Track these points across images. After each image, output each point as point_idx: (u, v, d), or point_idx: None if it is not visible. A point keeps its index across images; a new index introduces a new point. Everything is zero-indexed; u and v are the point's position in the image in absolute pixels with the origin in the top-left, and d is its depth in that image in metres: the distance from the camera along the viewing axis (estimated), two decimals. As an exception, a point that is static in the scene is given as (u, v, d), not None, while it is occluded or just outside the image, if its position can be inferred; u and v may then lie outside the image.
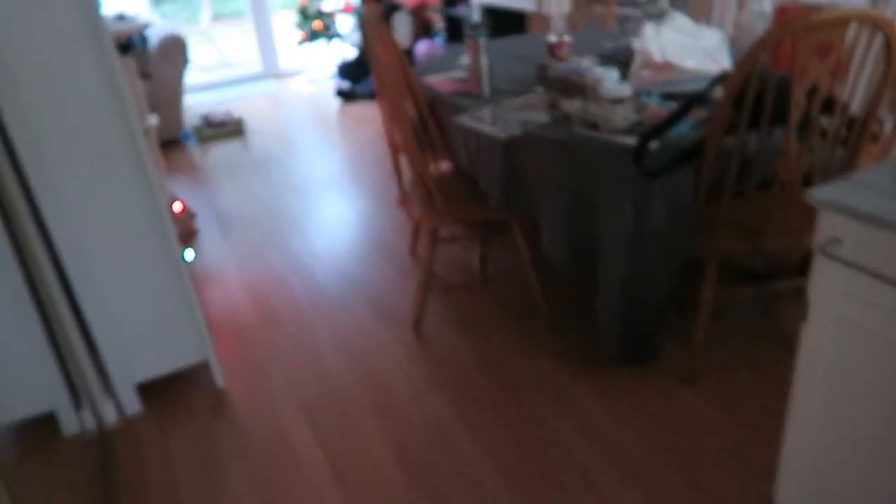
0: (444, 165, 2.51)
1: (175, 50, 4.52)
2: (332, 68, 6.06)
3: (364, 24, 2.04)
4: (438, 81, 2.48)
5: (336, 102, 5.42)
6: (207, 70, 7.41)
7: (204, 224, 3.48)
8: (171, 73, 4.56)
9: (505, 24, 5.37)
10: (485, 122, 1.97)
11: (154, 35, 4.64)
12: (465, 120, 2.01)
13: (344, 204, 3.58)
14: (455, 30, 6.05)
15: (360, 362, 2.26)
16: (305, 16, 5.90)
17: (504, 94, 2.23)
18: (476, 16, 5.22)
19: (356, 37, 5.49)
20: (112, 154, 1.74)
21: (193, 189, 3.95)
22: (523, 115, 1.98)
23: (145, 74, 4.58)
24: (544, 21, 4.27)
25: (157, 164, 3.50)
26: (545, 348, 2.22)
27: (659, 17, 2.34)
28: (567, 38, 2.50)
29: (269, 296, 2.75)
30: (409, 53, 5.55)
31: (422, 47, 5.81)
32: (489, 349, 2.25)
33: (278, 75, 6.38)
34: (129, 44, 3.21)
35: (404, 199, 2.36)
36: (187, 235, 3.29)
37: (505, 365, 2.16)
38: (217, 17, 11.22)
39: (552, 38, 2.55)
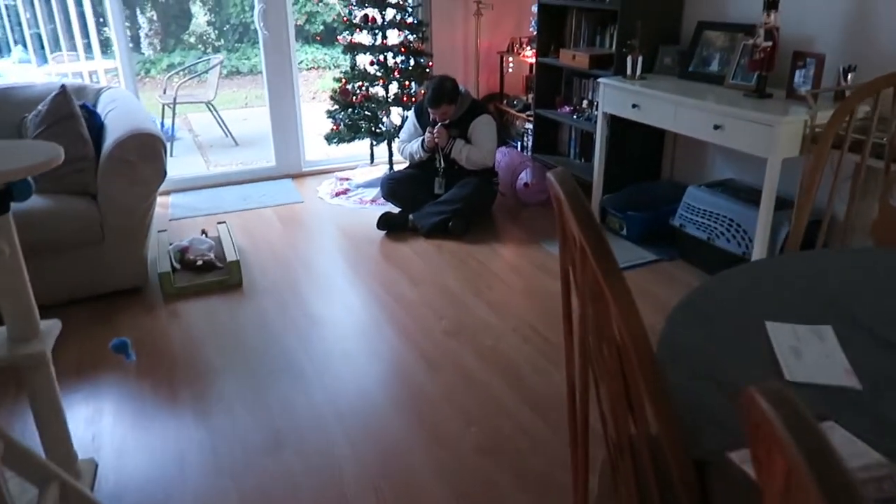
0: None
1: (145, 155, 2.83)
2: (375, 180, 4.40)
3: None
4: None
5: (376, 234, 3.72)
6: (203, 150, 5.77)
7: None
8: (133, 193, 2.86)
9: (629, 138, 3.72)
10: None
11: (118, 119, 2.96)
12: None
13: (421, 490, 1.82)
14: (547, 139, 4.40)
15: None
16: (344, 102, 4.25)
17: None
18: (600, 128, 3.57)
19: (415, 147, 3.82)
20: None
21: (134, 436, 2.19)
22: None
23: (89, 192, 2.89)
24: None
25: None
26: None
27: None
28: None
29: None
30: (489, 171, 3.87)
31: (499, 157, 4.17)
32: None
33: (298, 175, 4.71)
34: (7, 195, 1.52)
35: None
36: None
37: None
38: (228, 76, 9.71)
39: None
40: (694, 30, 3.36)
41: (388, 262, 3.39)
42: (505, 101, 4.78)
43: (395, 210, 3.82)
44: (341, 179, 4.58)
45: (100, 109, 3.23)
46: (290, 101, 4.50)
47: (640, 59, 3.34)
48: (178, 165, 5.42)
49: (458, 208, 3.62)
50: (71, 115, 2.85)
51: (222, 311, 2.94)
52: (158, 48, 10.63)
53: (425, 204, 3.73)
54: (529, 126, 4.51)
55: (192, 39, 10.81)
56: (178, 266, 3.19)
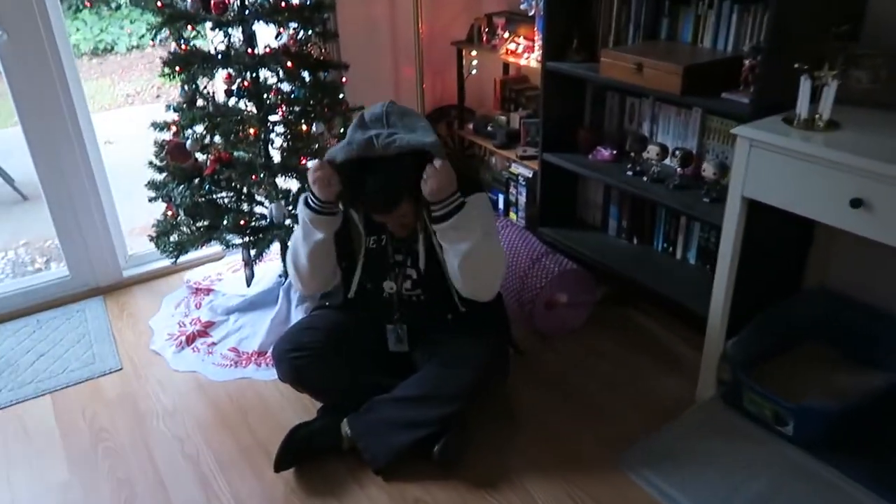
0: None
1: None
2: (260, 296, 2.39)
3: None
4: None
5: (276, 477, 1.75)
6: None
7: None
8: None
9: (761, 228, 1.93)
10: None
11: None
12: None
13: None
14: (559, 201, 2.54)
15: None
16: (180, 169, 2.14)
17: None
18: (733, 224, 1.74)
19: (299, 238, 1.83)
20: None
21: None
22: None
23: None
24: None
25: None
26: None
27: None
28: None
29: None
30: (498, 307, 1.94)
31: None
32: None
33: (114, 289, 2.60)
34: None
35: None
36: None
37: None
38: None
39: None
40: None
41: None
42: (472, 125, 2.84)
43: (310, 409, 1.85)
44: (196, 291, 2.53)
45: None
46: (77, 164, 2.37)
47: (834, 84, 1.51)
48: None
49: (450, 414, 1.70)
50: None
51: None
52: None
53: (372, 389, 1.78)
54: (521, 171, 2.62)
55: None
56: None
